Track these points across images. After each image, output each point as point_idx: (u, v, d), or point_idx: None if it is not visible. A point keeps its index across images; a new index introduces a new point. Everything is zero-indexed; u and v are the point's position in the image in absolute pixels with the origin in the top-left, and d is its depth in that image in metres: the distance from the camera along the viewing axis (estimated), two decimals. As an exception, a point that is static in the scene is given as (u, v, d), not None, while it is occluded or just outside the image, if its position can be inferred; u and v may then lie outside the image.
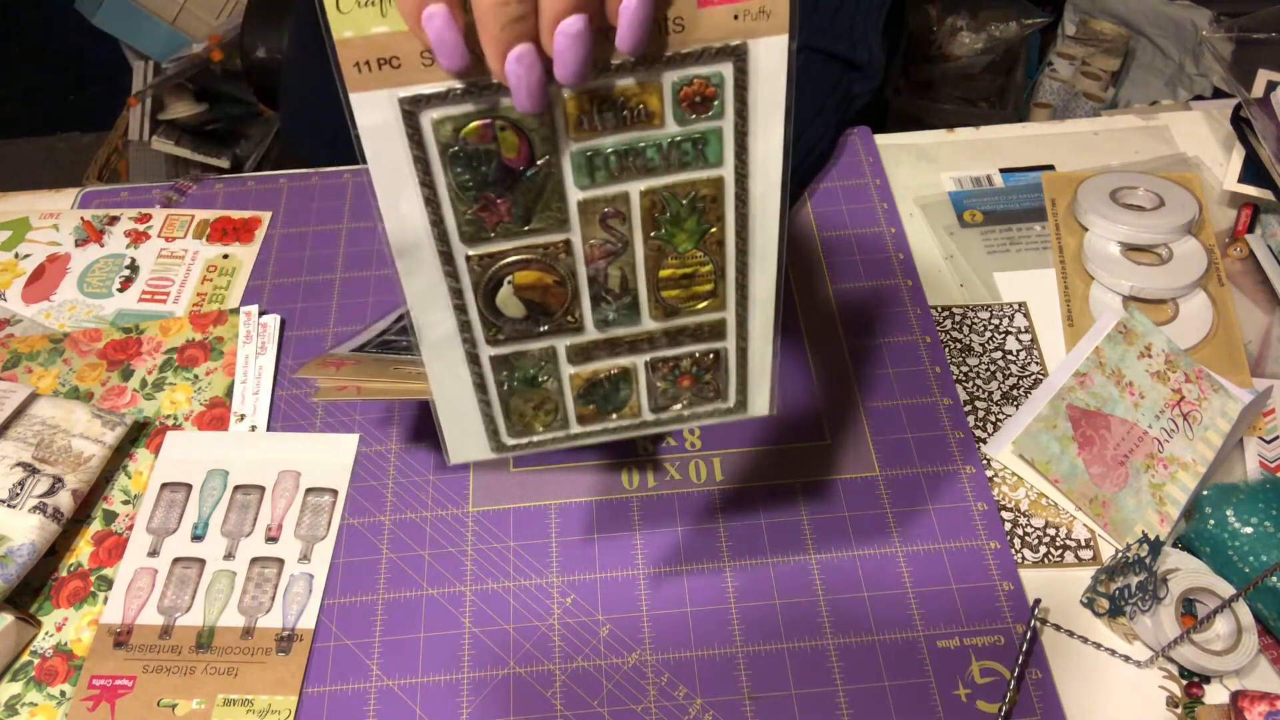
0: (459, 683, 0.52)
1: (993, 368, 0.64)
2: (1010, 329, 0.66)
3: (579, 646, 0.53)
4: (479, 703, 0.52)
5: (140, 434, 0.63)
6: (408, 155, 0.32)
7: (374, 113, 0.31)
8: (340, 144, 0.88)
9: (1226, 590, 0.52)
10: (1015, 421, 0.61)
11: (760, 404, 0.41)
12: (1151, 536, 0.52)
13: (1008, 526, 0.57)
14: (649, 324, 0.38)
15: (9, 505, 0.55)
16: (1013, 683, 0.50)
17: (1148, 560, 0.52)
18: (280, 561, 0.57)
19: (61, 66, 1.80)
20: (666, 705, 0.51)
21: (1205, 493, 0.55)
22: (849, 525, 0.57)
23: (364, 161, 0.32)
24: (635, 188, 0.34)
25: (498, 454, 0.41)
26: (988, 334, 0.66)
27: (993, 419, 0.62)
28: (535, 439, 0.41)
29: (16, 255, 0.74)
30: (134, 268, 0.72)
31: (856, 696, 0.51)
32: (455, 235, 0.34)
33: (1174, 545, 0.56)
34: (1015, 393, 0.63)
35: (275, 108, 1.46)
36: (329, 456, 0.61)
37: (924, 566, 0.55)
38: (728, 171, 0.34)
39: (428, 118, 0.31)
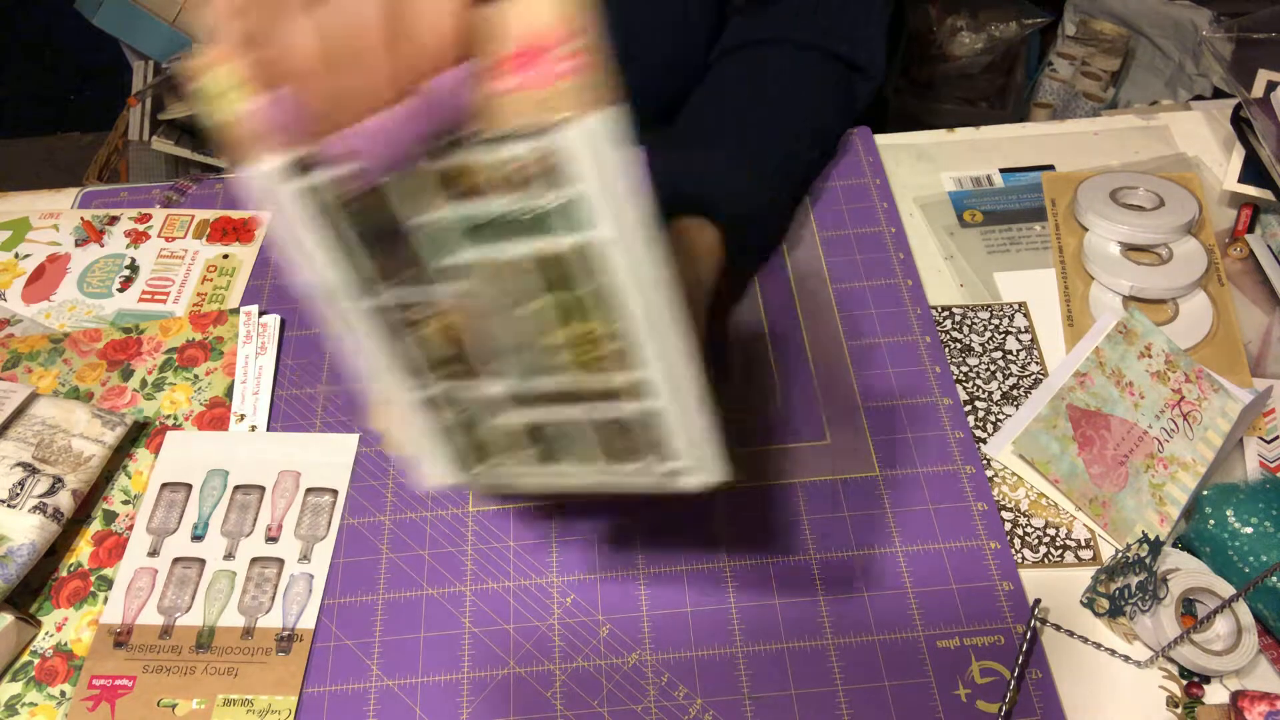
0: (459, 683, 0.52)
1: (993, 368, 0.64)
2: (1010, 329, 0.66)
3: (579, 646, 0.53)
4: (479, 703, 0.52)
5: (140, 434, 0.63)
6: (300, 214, 0.34)
7: (264, 178, 0.33)
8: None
9: (1226, 590, 0.52)
10: (1015, 421, 0.61)
11: (705, 471, 0.38)
12: (1151, 536, 0.52)
13: (1008, 526, 0.57)
14: (558, 382, 0.37)
15: (9, 505, 0.55)
16: (1013, 683, 0.50)
17: (1148, 560, 0.52)
18: (280, 561, 0.57)
19: (61, 66, 1.80)
20: (666, 705, 0.51)
21: (1205, 493, 0.55)
22: (849, 525, 0.57)
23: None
24: (502, 253, 0.34)
25: (471, 481, 0.41)
26: (988, 334, 0.66)
27: (993, 419, 0.62)
28: (498, 468, 0.41)
29: (16, 255, 0.74)
30: (134, 268, 0.72)
31: (856, 696, 0.51)
32: (357, 287, 0.35)
33: (1174, 545, 0.56)
34: (1015, 393, 0.63)
35: (275, 108, 1.46)
36: (329, 456, 0.61)
37: (924, 566, 0.55)
38: (591, 238, 0.33)
39: (307, 181, 0.33)
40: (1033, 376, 0.64)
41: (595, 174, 0.32)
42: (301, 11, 0.28)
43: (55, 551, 0.58)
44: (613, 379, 0.36)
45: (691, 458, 0.38)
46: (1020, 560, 0.56)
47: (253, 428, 0.63)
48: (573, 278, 0.34)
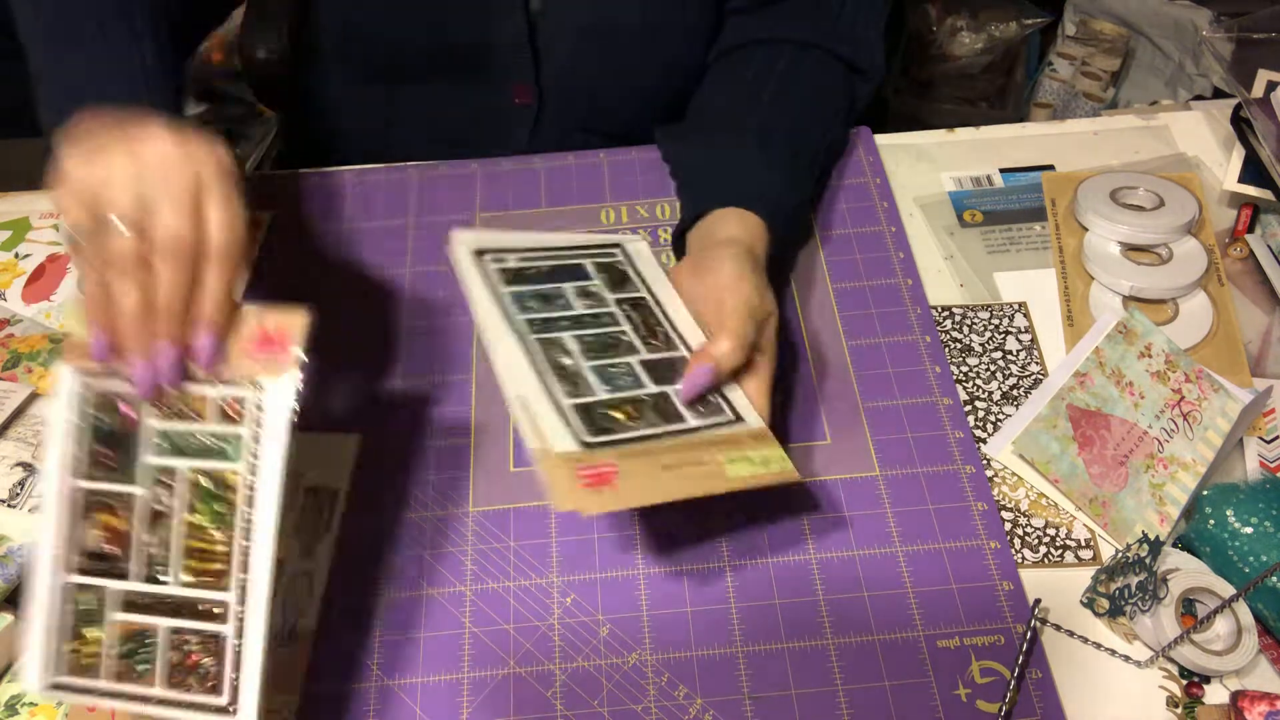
0: (459, 683, 0.52)
1: (993, 368, 0.64)
2: (1010, 329, 0.66)
3: (579, 646, 0.53)
4: (479, 703, 0.52)
5: (140, 434, 0.63)
6: (64, 405, 0.46)
7: (58, 374, 0.46)
8: (341, 144, 0.88)
9: (1226, 590, 0.52)
10: (1015, 421, 0.61)
11: (243, 714, 0.43)
12: (1151, 536, 0.52)
13: (1008, 526, 0.57)
14: (177, 588, 0.45)
15: (9, 505, 0.55)
16: (1013, 683, 0.50)
17: (1148, 560, 0.52)
18: (280, 561, 0.57)
19: (61, 66, 1.79)
20: (666, 705, 0.51)
21: (1205, 493, 0.55)
22: (849, 525, 0.57)
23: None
24: (185, 464, 0.45)
25: (54, 688, 0.45)
26: (988, 334, 0.66)
27: (993, 419, 0.62)
28: (78, 684, 0.45)
29: (16, 255, 0.74)
30: (134, 268, 0.72)
31: (856, 696, 0.51)
32: (71, 467, 0.46)
33: (1174, 545, 0.56)
34: (1015, 393, 0.63)
35: (275, 108, 1.46)
36: (329, 456, 0.61)
37: (924, 566, 0.55)
38: (243, 467, 0.45)
39: (82, 384, 0.46)
40: (1033, 376, 0.64)
41: (264, 423, 0.45)
42: (130, 283, 0.44)
43: (55, 551, 0.57)
44: (207, 593, 0.45)
45: (239, 697, 0.44)
46: (1020, 560, 0.56)
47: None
48: (225, 492, 0.45)
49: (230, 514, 0.45)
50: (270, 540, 0.44)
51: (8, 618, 0.53)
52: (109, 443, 0.46)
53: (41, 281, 0.72)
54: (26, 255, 0.73)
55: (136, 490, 0.46)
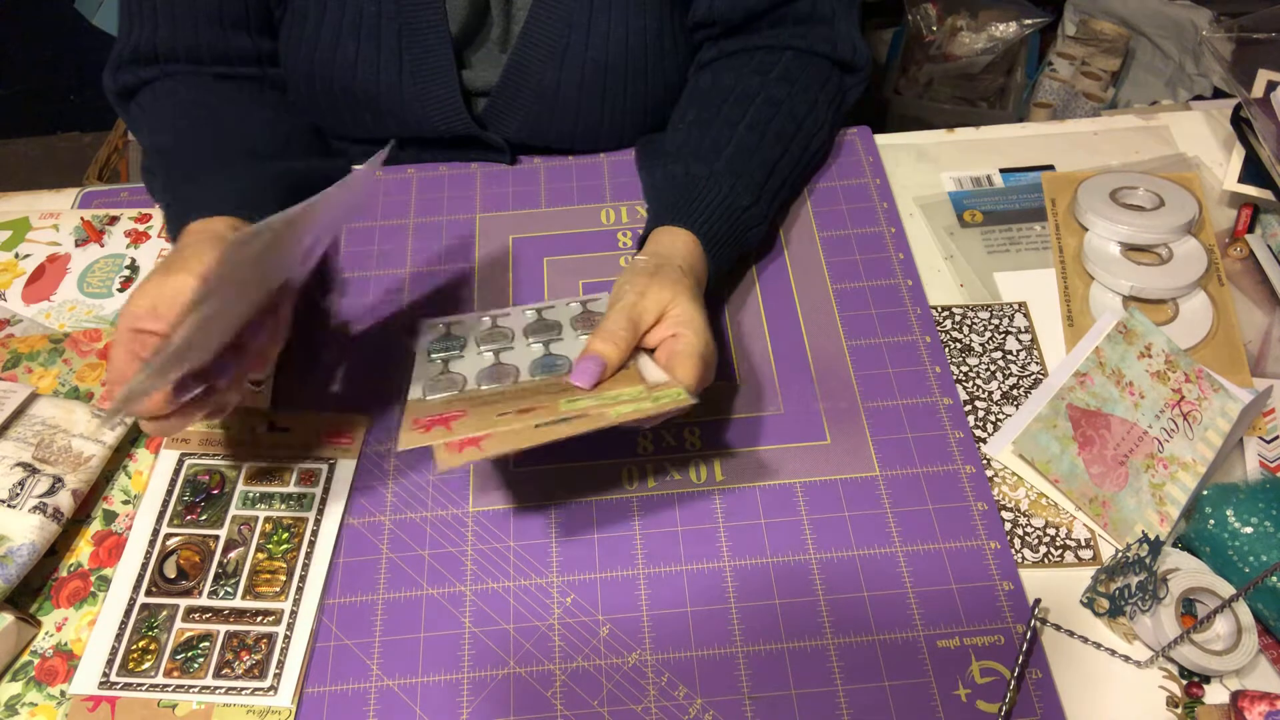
0: (459, 683, 0.52)
1: (993, 368, 0.64)
2: (1010, 329, 0.66)
3: (579, 646, 0.53)
4: (479, 703, 0.52)
5: (140, 434, 0.63)
6: (166, 476, 0.60)
7: (167, 457, 0.60)
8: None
9: (1226, 590, 0.52)
10: (1015, 421, 0.61)
11: (280, 696, 0.52)
12: (1151, 536, 0.52)
13: (1008, 526, 0.57)
14: (239, 601, 0.55)
15: (9, 505, 0.55)
16: (1013, 683, 0.50)
17: (1148, 560, 0.52)
18: (280, 561, 0.57)
19: (61, 66, 1.80)
20: (666, 705, 0.51)
21: (1205, 493, 0.55)
22: (849, 525, 0.57)
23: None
24: (264, 513, 0.58)
25: (103, 690, 0.52)
26: (988, 334, 0.66)
27: (993, 419, 0.62)
28: (132, 682, 0.52)
29: (16, 255, 0.74)
30: (134, 268, 0.72)
31: (856, 696, 0.51)
32: (164, 520, 0.58)
33: (1174, 545, 0.56)
34: (1015, 393, 0.63)
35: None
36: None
37: (924, 566, 0.55)
38: (311, 515, 0.58)
39: (186, 461, 0.60)
40: (1033, 376, 0.64)
41: (340, 482, 0.60)
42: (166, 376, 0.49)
43: (55, 551, 0.57)
44: (265, 604, 0.55)
45: (281, 681, 0.52)
46: (1020, 560, 0.56)
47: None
48: (294, 532, 0.58)
49: (295, 546, 0.57)
50: (325, 563, 0.57)
51: (8, 618, 0.53)
52: (198, 500, 0.59)
53: (41, 281, 0.72)
54: (26, 255, 0.73)
55: (219, 533, 0.58)
